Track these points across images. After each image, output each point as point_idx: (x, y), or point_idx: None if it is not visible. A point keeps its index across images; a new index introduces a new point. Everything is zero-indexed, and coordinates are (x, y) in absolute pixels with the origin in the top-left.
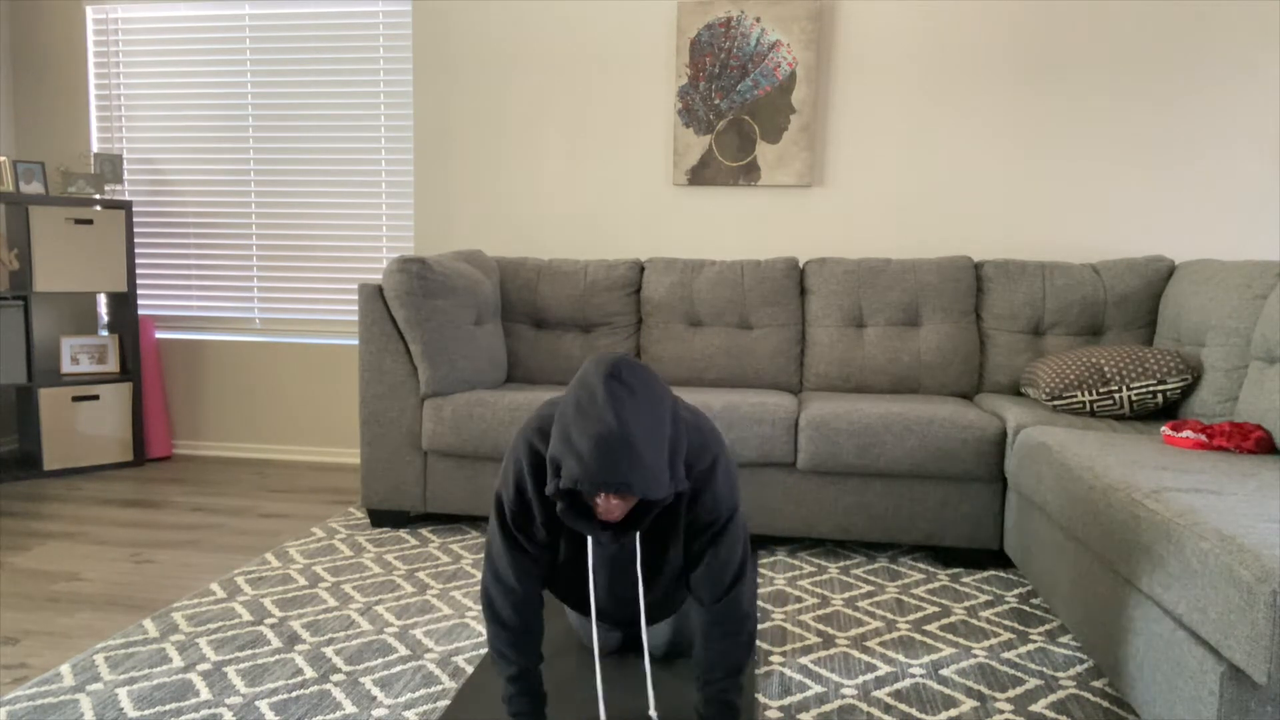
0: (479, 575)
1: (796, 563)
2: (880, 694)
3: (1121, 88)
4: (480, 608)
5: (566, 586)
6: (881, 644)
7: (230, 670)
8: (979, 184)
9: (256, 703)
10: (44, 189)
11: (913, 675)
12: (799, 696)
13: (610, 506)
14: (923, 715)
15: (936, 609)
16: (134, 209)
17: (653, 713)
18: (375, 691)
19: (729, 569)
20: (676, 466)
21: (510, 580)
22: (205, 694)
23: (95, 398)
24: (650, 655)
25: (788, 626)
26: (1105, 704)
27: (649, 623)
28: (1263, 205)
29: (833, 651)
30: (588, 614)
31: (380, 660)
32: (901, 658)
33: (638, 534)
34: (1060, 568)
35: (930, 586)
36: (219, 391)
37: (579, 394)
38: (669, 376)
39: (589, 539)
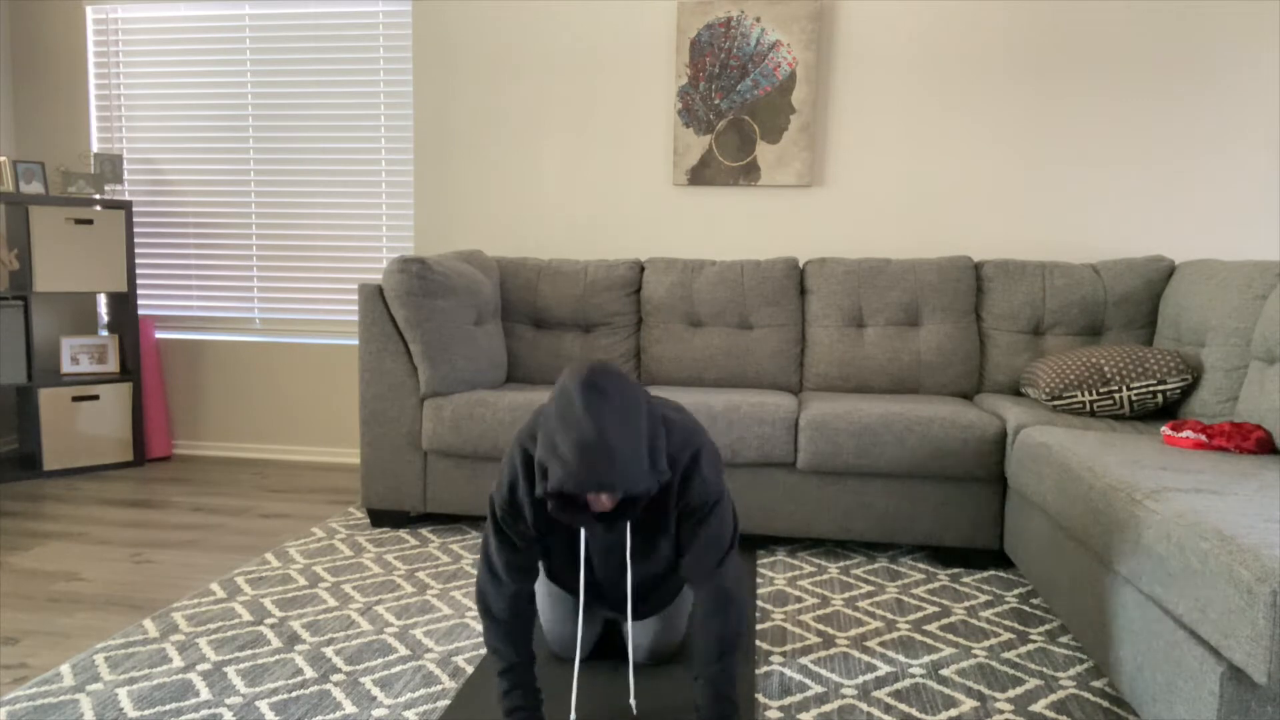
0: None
1: (796, 563)
2: (880, 694)
3: (1122, 87)
4: (476, 607)
5: (562, 575)
6: (881, 644)
7: (230, 670)
8: (979, 184)
9: (256, 703)
10: (44, 189)
11: (913, 675)
12: (799, 696)
13: (599, 501)
14: (923, 715)
15: (936, 609)
16: (134, 209)
17: (632, 701)
18: (375, 691)
19: (716, 547)
20: (657, 459)
21: (502, 574)
22: (205, 694)
23: (95, 398)
24: (633, 659)
25: (788, 626)
26: (1105, 704)
27: (637, 616)
28: (1263, 205)
29: (833, 651)
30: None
31: (380, 660)
32: (901, 658)
33: (628, 525)
34: (1060, 568)
35: (930, 586)
36: (219, 391)
37: (560, 402)
38: (669, 377)
39: (581, 532)
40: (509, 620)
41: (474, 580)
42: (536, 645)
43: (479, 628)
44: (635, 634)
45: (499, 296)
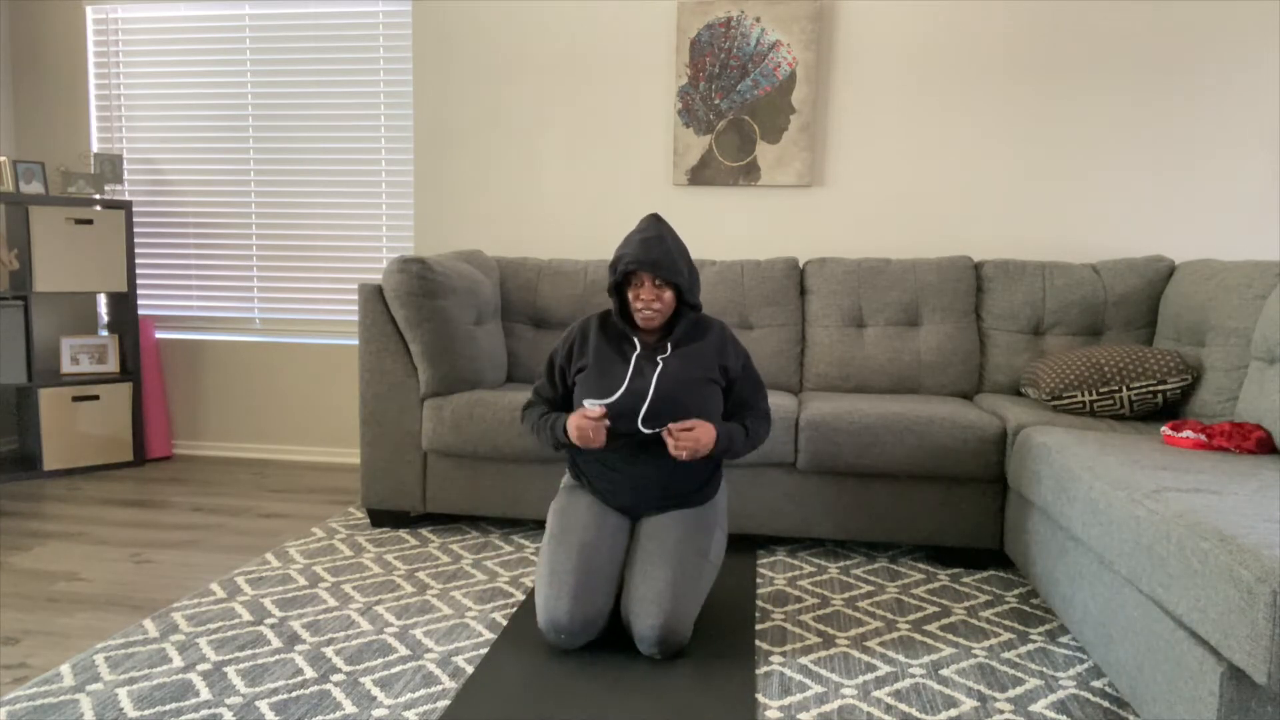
0: (479, 575)
1: (796, 563)
2: (880, 694)
3: (1121, 87)
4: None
5: (606, 381)
6: (881, 644)
7: (230, 670)
8: (979, 184)
9: (256, 703)
10: (44, 189)
11: (913, 675)
12: (799, 696)
13: (649, 294)
14: (923, 715)
15: (936, 609)
16: (134, 209)
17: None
18: (375, 691)
19: (758, 382)
20: (694, 288)
21: (544, 391)
22: (205, 694)
23: (95, 398)
24: (640, 650)
25: (788, 626)
26: (1105, 704)
27: (665, 425)
28: (1263, 205)
29: (833, 651)
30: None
31: (380, 660)
32: (901, 658)
33: (665, 354)
34: (1060, 568)
35: (930, 586)
36: (219, 391)
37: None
38: None
39: (629, 361)
40: (544, 401)
41: (474, 580)
42: (536, 640)
43: (479, 628)
44: (641, 620)
45: (499, 296)
